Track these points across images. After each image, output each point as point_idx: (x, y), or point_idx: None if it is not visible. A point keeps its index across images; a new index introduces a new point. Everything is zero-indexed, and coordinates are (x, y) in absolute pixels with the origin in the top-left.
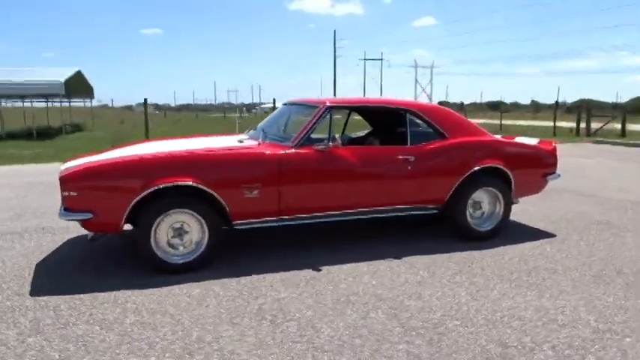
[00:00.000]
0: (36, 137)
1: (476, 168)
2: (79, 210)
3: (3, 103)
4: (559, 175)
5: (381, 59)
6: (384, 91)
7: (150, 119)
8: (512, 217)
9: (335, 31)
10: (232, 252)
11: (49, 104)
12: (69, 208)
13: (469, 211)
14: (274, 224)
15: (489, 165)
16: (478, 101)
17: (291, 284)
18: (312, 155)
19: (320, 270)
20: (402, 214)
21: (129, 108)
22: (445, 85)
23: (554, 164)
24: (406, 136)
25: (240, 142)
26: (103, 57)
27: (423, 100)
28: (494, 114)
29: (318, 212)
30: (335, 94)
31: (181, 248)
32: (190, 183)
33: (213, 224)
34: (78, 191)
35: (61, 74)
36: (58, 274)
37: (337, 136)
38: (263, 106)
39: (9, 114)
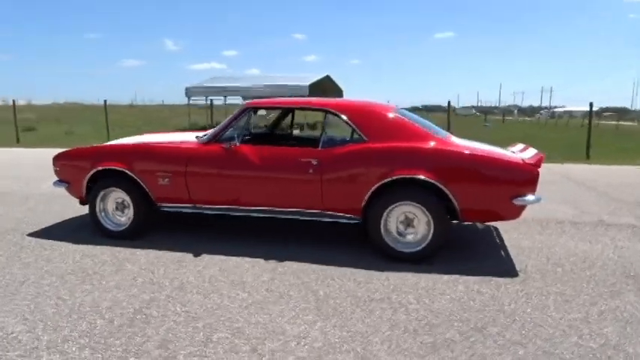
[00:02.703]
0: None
1: (391, 178)
2: (61, 180)
3: None
4: (538, 199)
5: None
6: None
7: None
8: (514, 249)
9: None
10: (166, 229)
11: None
12: (57, 178)
13: (393, 227)
14: (189, 210)
15: (408, 176)
16: None
17: (152, 262)
18: (216, 152)
19: (200, 255)
20: (315, 219)
21: (406, 109)
22: None
23: (529, 184)
24: (319, 138)
25: (196, 138)
26: (398, 60)
27: None
28: None
29: (225, 205)
30: None
31: (121, 219)
32: (117, 167)
33: (138, 203)
34: (59, 167)
35: (310, 79)
36: (57, 227)
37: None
38: (558, 109)
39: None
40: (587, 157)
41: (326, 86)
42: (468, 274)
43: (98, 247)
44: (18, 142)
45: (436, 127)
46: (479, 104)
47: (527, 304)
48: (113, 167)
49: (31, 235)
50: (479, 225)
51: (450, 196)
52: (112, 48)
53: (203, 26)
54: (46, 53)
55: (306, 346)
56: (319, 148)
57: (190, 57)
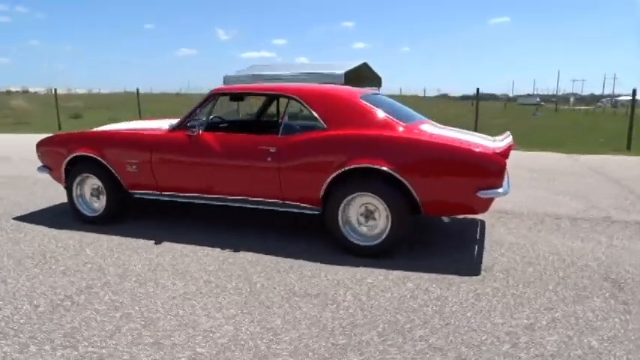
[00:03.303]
0: None
1: (346, 167)
2: (44, 166)
3: None
4: (506, 192)
5: None
6: None
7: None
8: (492, 244)
9: None
10: (149, 217)
11: None
12: (41, 164)
13: (354, 219)
14: (158, 198)
15: (363, 165)
16: None
17: (112, 248)
18: (179, 139)
19: (160, 243)
20: (278, 208)
21: (464, 98)
22: None
23: (494, 175)
24: (279, 125)
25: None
26: (451, 48)
27: None
28: None
29: (189, 193)
30: None
31: (96, 205)
32: (90, 154)
33: (110, 190)
34: (40, 153)
35: (346, 67)
36: (45, 211)
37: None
38: (620, 98)
39: None
40: (627, 149)
41: (363, 74)
42: (424, 271)
43: (69, 231)
44: (60, 129)
45: (411, 114)
46: (535, 92)
47: (473, 306)
48: (86, 154)
49: (16, 218)
50: (444, 219)
51: (409, 187)
52: (168, 38)
53: (253, 15)
54: (110, 43)
55: (210, 342)
56: (279, 136)
57: (241, 46)
